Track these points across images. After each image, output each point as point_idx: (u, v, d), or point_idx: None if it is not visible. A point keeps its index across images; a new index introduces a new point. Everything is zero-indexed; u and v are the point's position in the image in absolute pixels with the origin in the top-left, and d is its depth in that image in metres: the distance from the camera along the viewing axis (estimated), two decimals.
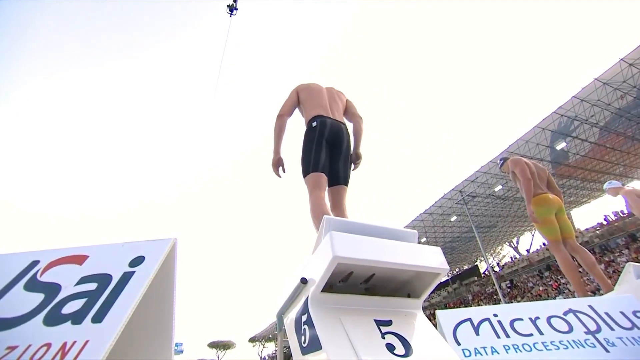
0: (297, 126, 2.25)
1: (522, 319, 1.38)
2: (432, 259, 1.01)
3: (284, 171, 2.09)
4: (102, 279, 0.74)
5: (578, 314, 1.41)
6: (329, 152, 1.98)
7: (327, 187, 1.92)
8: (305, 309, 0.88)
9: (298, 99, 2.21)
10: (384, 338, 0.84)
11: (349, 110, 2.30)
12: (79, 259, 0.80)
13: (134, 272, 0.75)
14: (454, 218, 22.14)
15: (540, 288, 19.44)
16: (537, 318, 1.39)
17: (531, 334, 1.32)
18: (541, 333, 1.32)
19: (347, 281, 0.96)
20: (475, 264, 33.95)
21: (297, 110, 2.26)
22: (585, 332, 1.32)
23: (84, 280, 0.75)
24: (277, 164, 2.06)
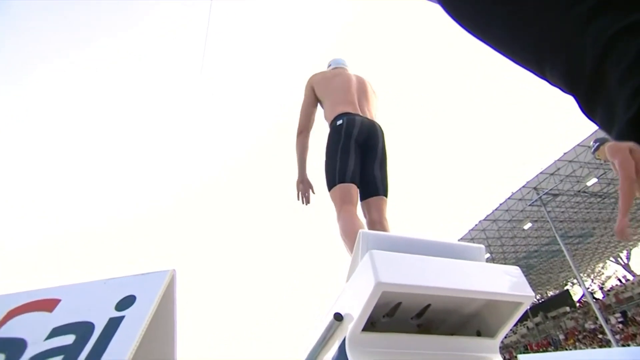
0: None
1: None
2: (509, 283, 0.99)
3: (313, 192, 2.20)
4: (82, 329, 0.74)
5: None
6: (361, 156, 2.00)
7: (359, 200, 1.94)
8: (341, 354, 0.88)
9: (315, 95, 2.24)
10: None
11: None
12: (49, 304, 0.80)
13: (122, 316, 0.75)
14: (528, 225, 21.49)
15: None
16: None
17: None
18: None
19: (393, 315, 0.96)
20: (565, 288, 32.51)
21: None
22: None
23: (56, 332, 0.74)
24: (303, 188, 2.18)
